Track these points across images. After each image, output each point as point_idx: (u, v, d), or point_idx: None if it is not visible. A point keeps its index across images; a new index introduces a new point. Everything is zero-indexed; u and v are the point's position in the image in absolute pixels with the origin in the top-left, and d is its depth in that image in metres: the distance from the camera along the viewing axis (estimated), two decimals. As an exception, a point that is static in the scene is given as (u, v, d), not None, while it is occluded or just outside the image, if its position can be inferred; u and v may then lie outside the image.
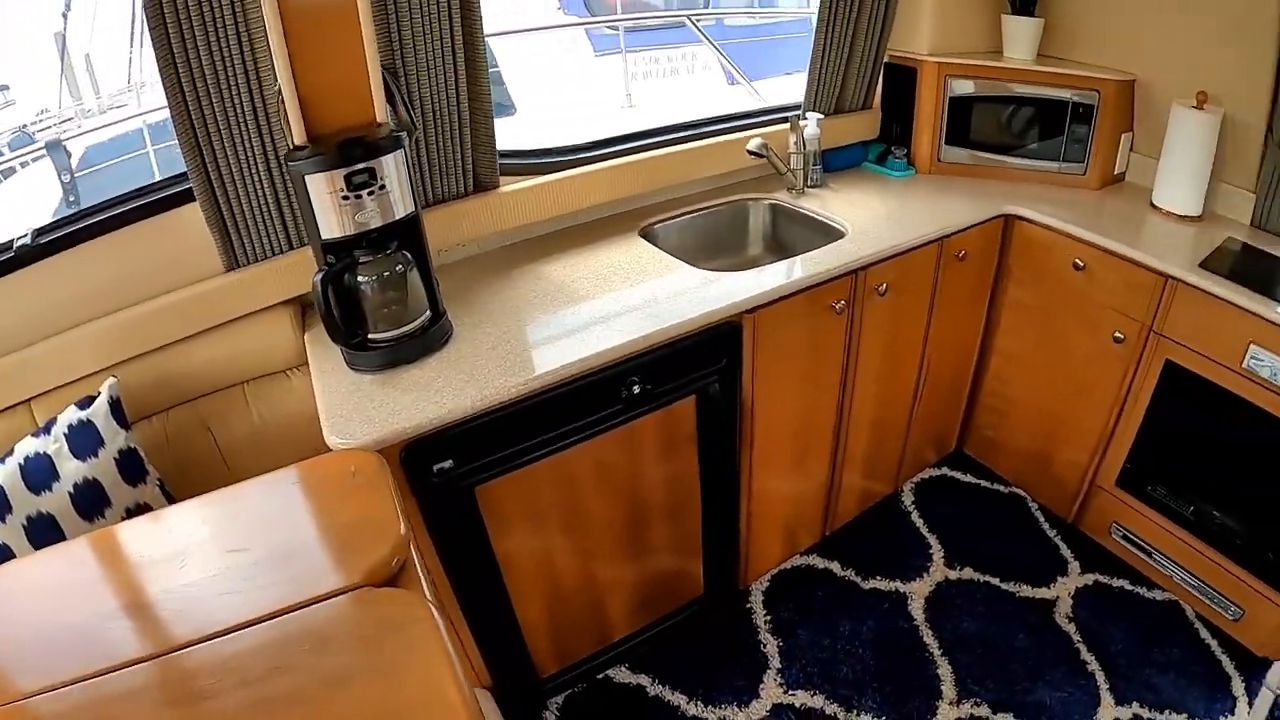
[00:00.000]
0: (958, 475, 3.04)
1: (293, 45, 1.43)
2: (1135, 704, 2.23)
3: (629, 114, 5.71)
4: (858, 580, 2.59)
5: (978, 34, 2.82)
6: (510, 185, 2.08)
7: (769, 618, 2.46)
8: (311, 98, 1.49)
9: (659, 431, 1.93)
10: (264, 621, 1.00)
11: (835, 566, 2.64)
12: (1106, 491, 2.63)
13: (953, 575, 2.61)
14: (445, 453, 1.59)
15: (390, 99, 1.72)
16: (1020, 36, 2.70)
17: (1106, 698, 2.25)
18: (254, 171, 1.68)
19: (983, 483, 3.01)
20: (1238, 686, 2.29)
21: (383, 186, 1.53)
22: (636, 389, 1.79)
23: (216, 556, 1.12)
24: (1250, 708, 2.21)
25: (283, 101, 1.50)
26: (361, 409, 1.52)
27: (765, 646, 2.36)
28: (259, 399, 1.81)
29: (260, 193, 1.71)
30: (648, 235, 2.29)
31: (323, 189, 1.49)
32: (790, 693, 2.22)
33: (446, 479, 1.61)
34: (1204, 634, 2.44)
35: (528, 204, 2.12)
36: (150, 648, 0.97)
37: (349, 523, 1.19)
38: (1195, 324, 2.19)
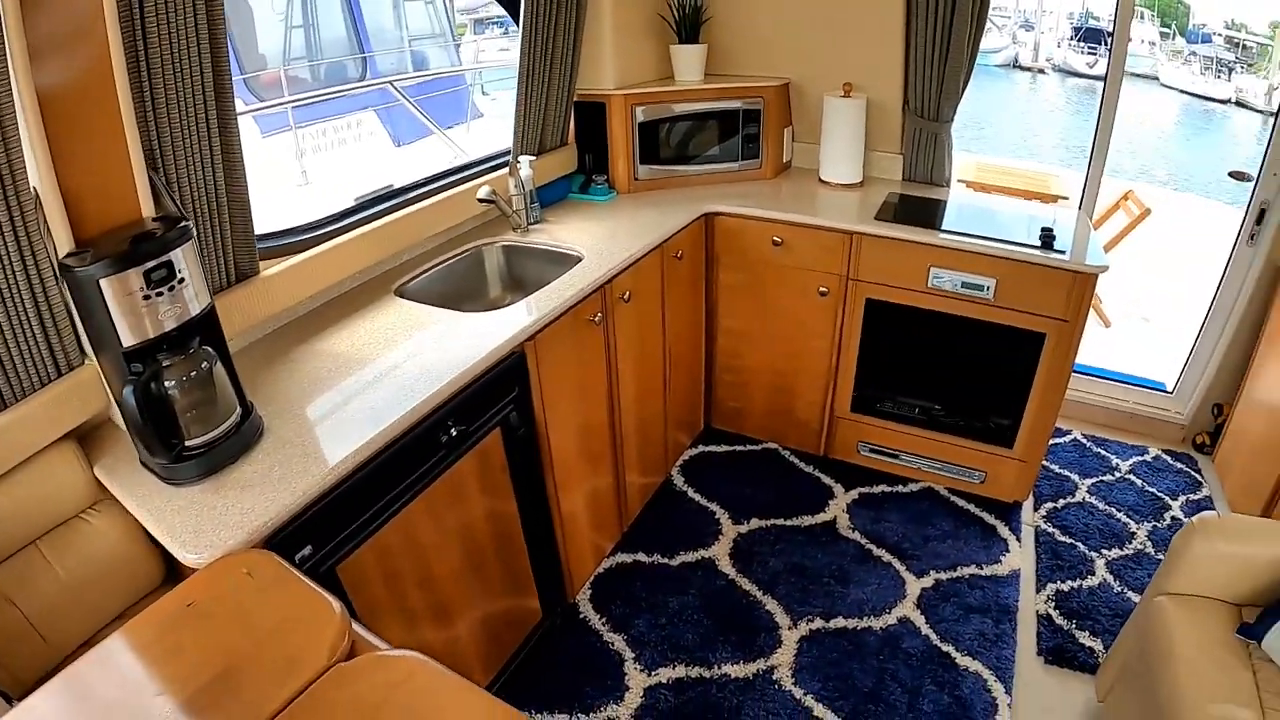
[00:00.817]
0: (714, 449, 3.46)
1: (53, 139, 1.35)
2: (932, 573, 2.80)
3: (305, 191, 5.54)
4: (666, 561, 2.85)
5: (653, 65, 3.32)
6: (269, 269, 2.05)
7: (604, 620, 2.63)
8: (77, 197, 1.41)
9: (477, 469, 2.02)
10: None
11: (641, 556, 2.88)
12: (845, 419, 3.19)
13: (743, 529, 2.98)
14: (303, 540, 1.56)
15: (155, 192, 1.65)
16: (689, 62, 3.23)
17: (908, 576, 2.79)
18: (14, 290, 1.46)
19: (737, 448, 3.46)
20: (1003, 530, 3.01)
21: (181, 280, 1.47)
22: (454, 431, 1.87)
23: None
24: (1020, 542, 2.96)
25: (41, 205, 1.39)
26: (209, 520, 1.43)
27: (614, 645, 2.53)
28: (59, 553, 1.62)
29: (22, 316, 1.51)
30: (403, 293, 2.36)
31: (120, 291, 1.39)
32: (653, 674, 2.42)
33: (310, 566, 1.59)
34: (961, 502, 3.13)
35: (290, 284, 2.09)
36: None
37: (280, 624, 1.18)
38: (883, 265, 2.82)
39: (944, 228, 2.81)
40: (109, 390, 1.58)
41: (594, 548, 2.78)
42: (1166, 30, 30.08)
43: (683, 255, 2.88)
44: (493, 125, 6.55)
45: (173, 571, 1.67)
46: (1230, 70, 24.81)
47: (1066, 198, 4.48)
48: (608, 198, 3.09)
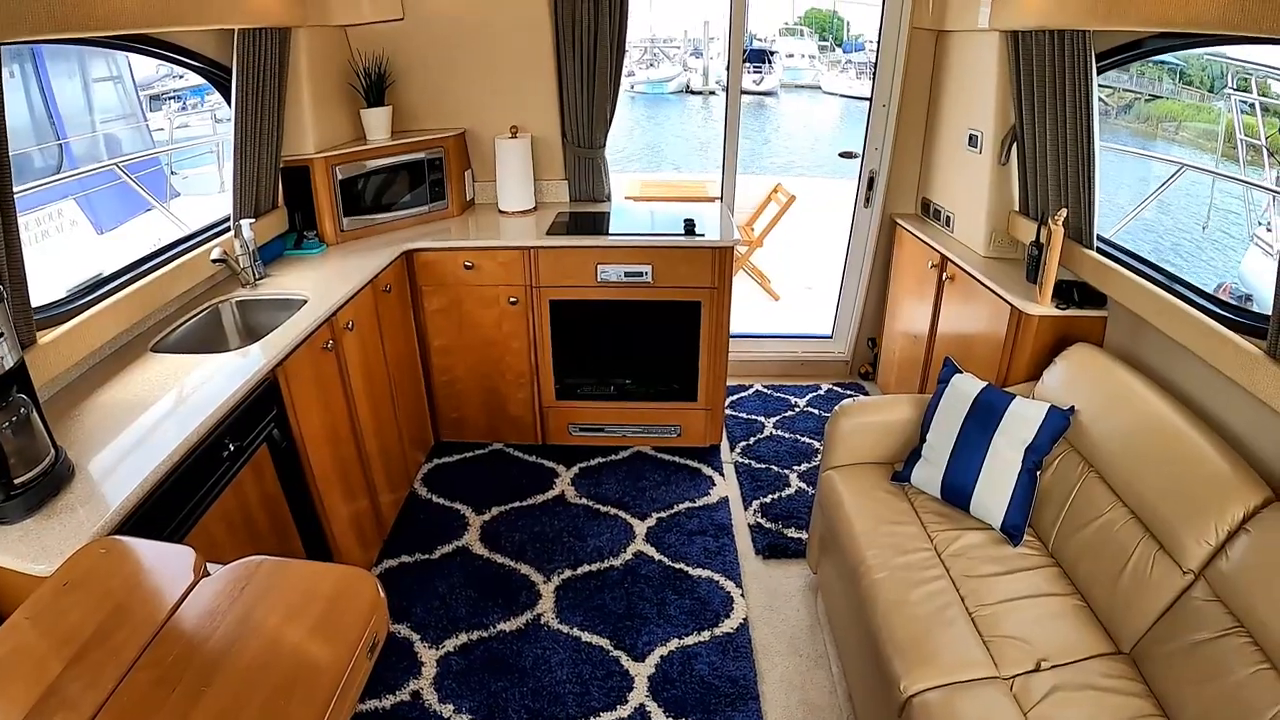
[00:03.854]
0: (446, 459, 4.18)
1: None
2: (654, 514, 3.73)
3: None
4: (427, 556, 3.48)
5: (348, 128, 4.03)
6: (44, 338, 2.39)
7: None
8: None
9: (255, 484, 2.54)
10: None
11: (404, 558, 3.47)
12: (553, 408, 4.08)
13: (486, 517, 3.72)
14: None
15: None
16: (378, 122, 3.99)
17: (633, 521, 3.68)
18: None
19: (466, 455, 4.22)
20: (707, 470, 4.03)
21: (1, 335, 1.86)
22: (231, 446, 2.40)
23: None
24: (723, 476, 3.99)
25: None
26: (50, 539, 1.76)
27: (400, 632, 3.09)
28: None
29: None
30: (159, 349, 2.79)
31: None
32: (440, 646, 3.02)
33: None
34: (666, 456, 4.12)
35: (64, 348, 2.44)
36: None
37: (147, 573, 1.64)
38: (559, 270, 3.75)
39: (609, 233, 3.79)
40: None
41: (363, 560, 3.34)
42: (824, 44, 34.94)
43: (390, 288, 3.58)
44: (191, 203, 6.68)
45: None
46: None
47: (720, 198, 5.67)
48: (319, 250, 3.71)
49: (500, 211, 4.20)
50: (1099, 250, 3.08)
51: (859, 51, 32.78)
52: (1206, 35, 2.48)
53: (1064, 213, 3.02)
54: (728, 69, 4.48)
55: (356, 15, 3.77)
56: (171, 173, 7.38)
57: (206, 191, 7.39)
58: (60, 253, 6.03)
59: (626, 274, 3.70)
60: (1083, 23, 2.78)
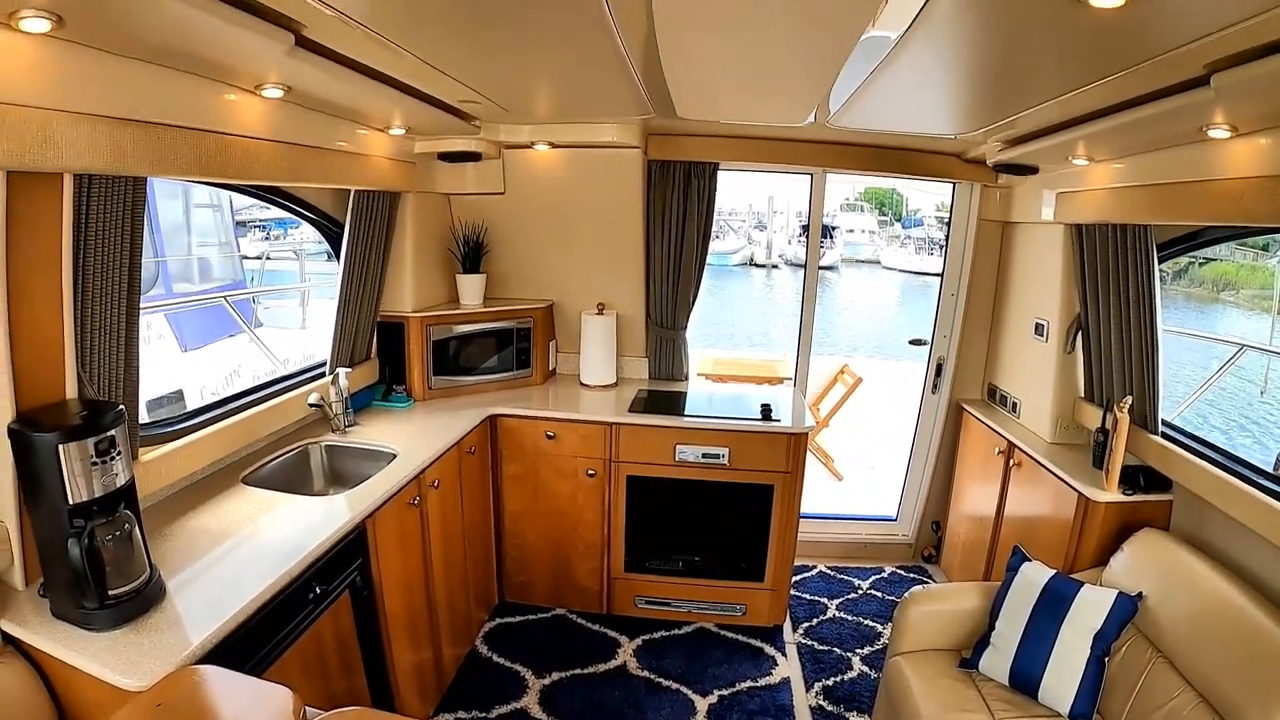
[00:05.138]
0: (509, 620, 4.29)
1: (12, 326, 1.89)
2: (715, 691, 3.76)
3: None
4: (483, 714, 3.54)
5: (443, 290, 4.45)
6: (146, 455, 2.64)
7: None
8: (22, 375, 1.95)
9: (332, 624, 2.68)
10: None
11: (461, 714, 3.55)
12: (621, 579, 4.18)
13: (546, 682, 3.79)
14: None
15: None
16: (471, 288, 4.39)
17: (695, 697, 3.72)
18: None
19: (529, 617, 4.32)
20: (770, 650, 4.07)
21: (119, 453, 2.05)
22: (319, 589, 2.59)
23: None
24: (785, 656, 4.03)
25: None
26: (140, 654, 1.86)
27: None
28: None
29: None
30: (249, 481, 3.04)
31: (75, 456, 1.89)
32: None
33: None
34: (730, 634, 4.18)
35: (164, 468, 2.69)
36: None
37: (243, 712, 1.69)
38: (638, 447, 3.96)
39: (685, 413, 4.03)
40: (20, 547, 2.04)
41: (421, 711, 3.44)
42: (884, 219, 36.10)
43: (474, 450, 3.83)
44: (273, 335, 7.05)
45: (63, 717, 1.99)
46: (942, 246, 29.98)
47: (790, 378, 5.89)
48: (406, 404, 4.02)
49: (582, 384, 4.53)
50: (1163, 435, 3.25)
51: (918, 227, 33.80)
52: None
53: (1129, 400, 3.21)
54: (805, 269, 4.87)
55: (461, 186, 4.26)
56: (254, 301, 7.82)
57: (288, 325, 7.84)
58: (145, 365, 6.42)
59: (704, 455, 3.92)
60: (1142, 219, 3.07)
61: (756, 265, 31.09)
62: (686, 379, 4.69)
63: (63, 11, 1.64)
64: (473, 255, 4.41)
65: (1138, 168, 3.00)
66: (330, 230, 3.75)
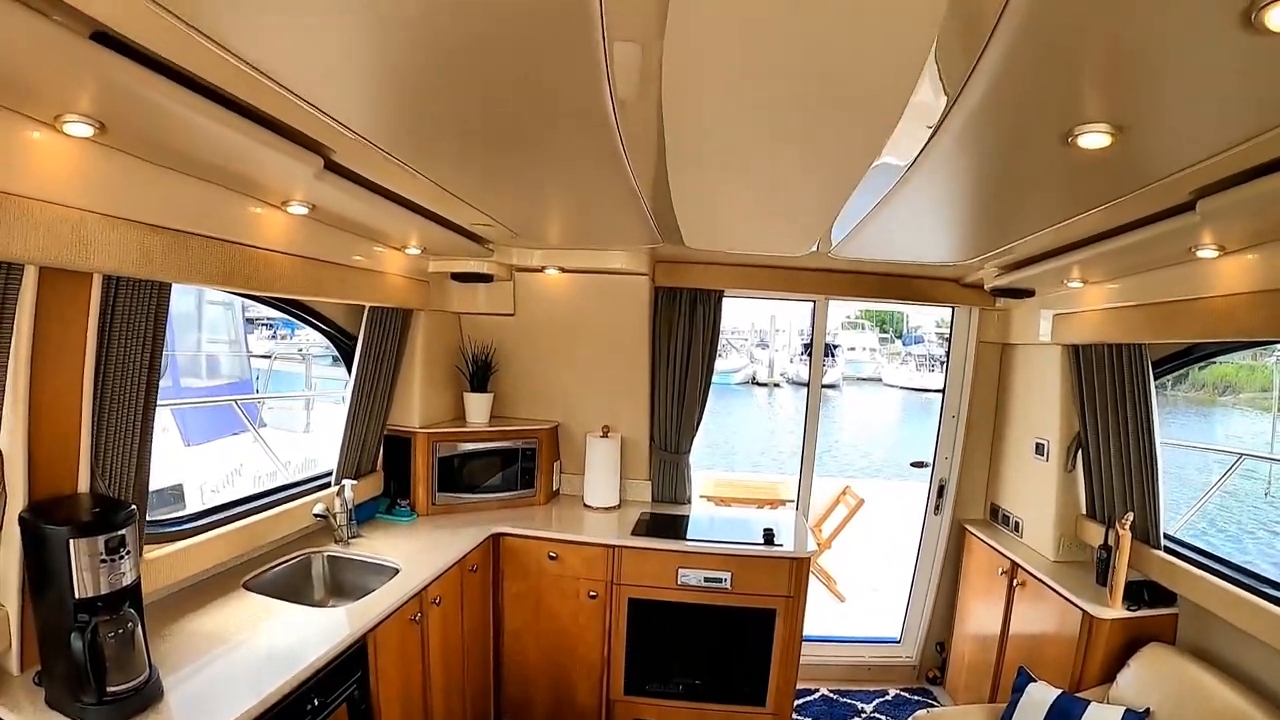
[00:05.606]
0: (507, 740, 4.16)
1: (32, 416, 1.94)
2: None
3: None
4: None
5: (450, 407, 4.50)
6: (150, 553, 2.64)
7: None
8: (38, 465, 1.99)
9: None
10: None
11: None
12: (621, 701, 4.11)
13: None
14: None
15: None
16: (478, 406, 4.44)
17: None
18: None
19: (527, 735, 4.18)
20: None
21: (128, 552, 2.06)
22: (316, 702, 2.54)
23: None
24: None
25: (3, 463, 1.91)
26: None
27: None
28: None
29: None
30: (249, 587, 3.02)
31: (84, 552, 1.92)
32: None
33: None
34: None
35: (167, 568, 2.69)
36: None
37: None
38: (641, 570, 3.95)
39: (688, 537, 4.03)
40: (19, 632, 2.05)
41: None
42: (885, 336, 36.54)
43: (476, 568, 3.82)
44: (277, 436, 7.08)
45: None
46: (942, 363, 30.30)
47: (792, 501, 5.88)
48: (410, 519, 4.02)
49: (585, 505, 4.51)
50: (1166, 549, 3.25)
51: (918, 344, 34.14)
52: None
53: (1130, 516, 3.23)
54: (808, 390, 4.95)
55: (472, 306, 4.37)
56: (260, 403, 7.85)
57: (292, 427, 7.87)
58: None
59: (706, 579, 3.90)
60: (1138, 338, 3.16)
61: (758, 384, 31.31)
62: (689, 502, 4.70)
63: (106, 119, 1.74)
64: (481, 374, 4.49)
65: (1131, 288, 3.11)
66: (341, 342, 3.84)
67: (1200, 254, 2.49)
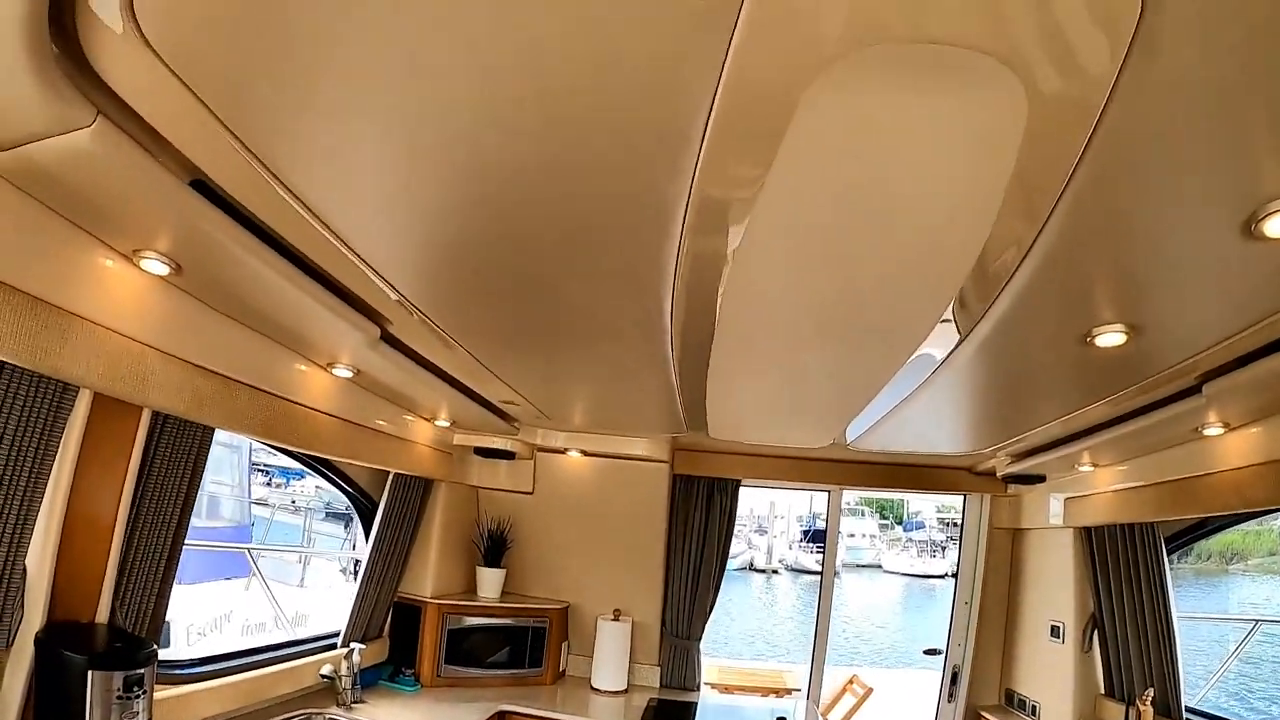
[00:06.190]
0: None
1: (63, 539, 1.92)
2: None
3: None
4: None
5: (461, 579, 4.48)
6: (159, 694, 2.51)
7: None
8: (61, 586, 1.95)
9: None
10: None
11: None
12: None
13: None
14: None
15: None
16: (490, 581, 4.44)
17: None
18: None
19: None
20: None
21: (145, 692, 2.00)
22: None
23: None
24: None
25: (25, 579, 1.86)
26: None
27: None
28: None
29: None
30: None
31: (102, 686, 1.87)
32: None
33: None
34: None
35: (168, 713, 2.54)
36: None
37: None
38: None
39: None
40: None
41: None
42: (885, 522, 36.14)
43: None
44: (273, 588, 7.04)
45: None
46: (944, 549, 30.07)
47: (798, 689, 5.77)
48: (414, 689, 3.94)
49: (593, 687, 4.42)
50: (1187, 721, 3.20)
51: (919, 530, 33.75)
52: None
53: (1151, 692, 3.21)
54: (820, 578, 4.94)
55: (492, 481, 4.46)
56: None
57: (286, 579, 7.75)
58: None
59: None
60: (1149, 517, 3.24)
61: (757, 570, 30.75)
62: (698, 689, 4.60)
63: (183, 261, 1.82)
64: (495, 549, 4.50)
65: (1140, 469, 3.20)
66: (361, 503, 3.89)
67: (1207, 432, 2.60)
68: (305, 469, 3.68)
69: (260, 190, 1.46)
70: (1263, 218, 1.20)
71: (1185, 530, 3.50)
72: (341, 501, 3.99)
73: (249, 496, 9.34)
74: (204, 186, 1.49)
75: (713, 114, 1.06)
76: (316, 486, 11.24)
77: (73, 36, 1.08)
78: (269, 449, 3.49)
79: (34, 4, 0.99)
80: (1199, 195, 1.20)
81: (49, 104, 1.17)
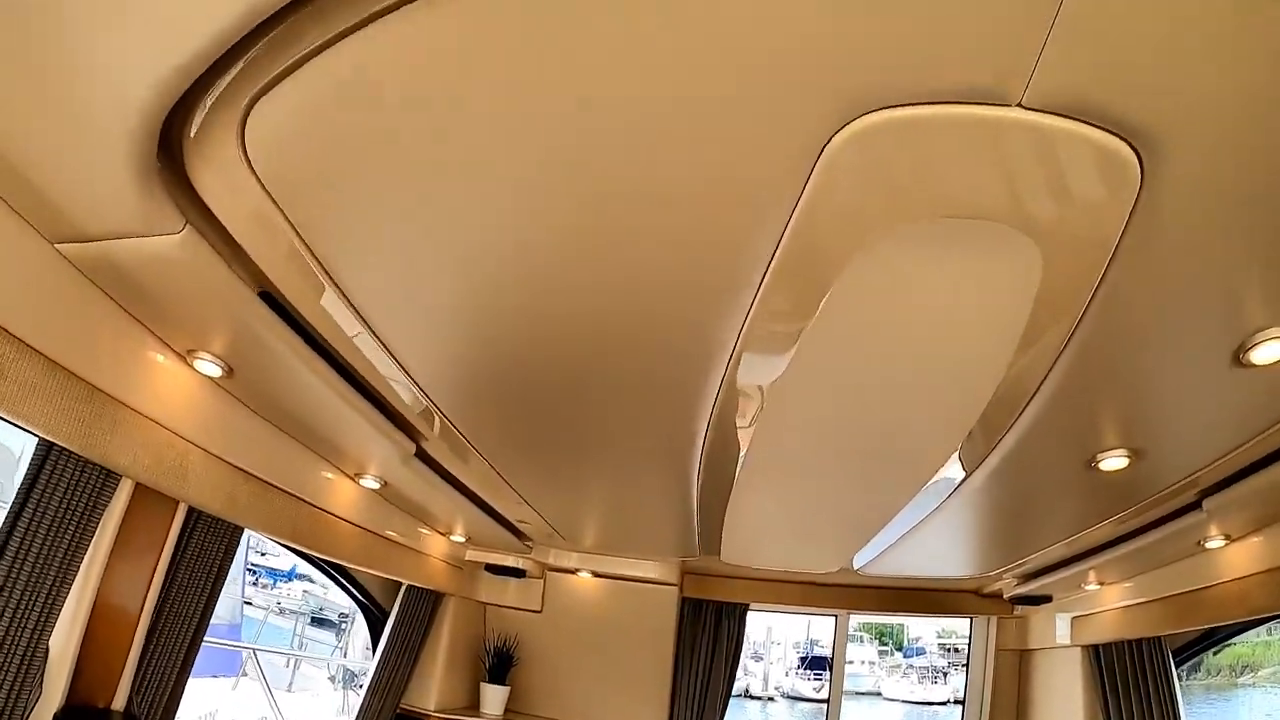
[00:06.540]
0: None
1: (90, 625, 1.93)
2: None
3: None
4: None
5: (465, 694, 4.44)
6: None
7: None
8: (82, 669, 1.95)
9: None
10: None
11: None
12: None
13: None
14: None
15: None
16: (494, 698, 4.39)
17: None
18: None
19: None
20: None
21: None
22: None
23: None
24: None
25: (46, 661, 1.83)
26: None
27: None
28: None
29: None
30: None
31: None
32: None
33: None
34: None
35: None
36: None
37: None
38: None
39: None
40: None
41: None
42: (885, 648, 35.31)
43: None
44: (256, 688, 6.91)
45: None
46: (945, 674, 29.30)
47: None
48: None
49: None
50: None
51: (919, 656, 32.89)
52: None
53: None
54: (828, 709, 4.91)
55: (501, 598, 4.49)
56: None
57: (277, 683, 7.58)
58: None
59: None
60: (1156, 631, 3.27)
61: (752, 697, 29.89)
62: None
63: (235, 364, 1.90)
64: (500, 666, 4.48)
65: (1146, 585, 3.25)
66: (370, 611, 3.92)
67: (1209, 545, 2.66)
68: (321, 573, 3.71)
69: (312, 302, 1.54)
70: (1250, 347, 1.33)
71: (1193, 642, 3.51)
72: (332, 608, 4.00)
73: (242, 596, 9.25)
74: (269, 297, 1.57)
75: (771, 265, 1.20)
76: (304, 590, 10.96)
77: (176, 151, 1.15)
78: (258, 549, 3.52)
79: (147, 121, 1.05)
80: (1193, 332, 1.35)
81: (144, 208, 1.24)
